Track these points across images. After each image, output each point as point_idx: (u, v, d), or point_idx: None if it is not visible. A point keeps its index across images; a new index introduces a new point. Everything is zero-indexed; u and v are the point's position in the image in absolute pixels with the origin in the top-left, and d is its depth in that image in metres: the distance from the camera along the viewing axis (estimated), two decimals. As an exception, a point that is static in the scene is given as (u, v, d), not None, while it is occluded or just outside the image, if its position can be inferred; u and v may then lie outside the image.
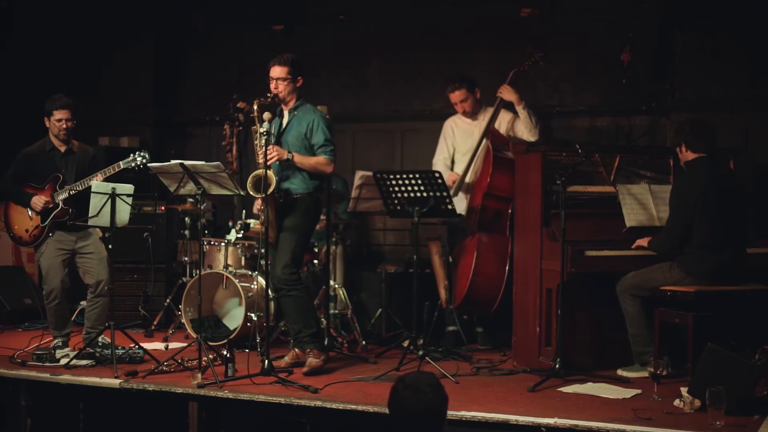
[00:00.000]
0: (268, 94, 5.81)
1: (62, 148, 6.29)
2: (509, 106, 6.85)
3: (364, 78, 8.41)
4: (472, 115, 6.86)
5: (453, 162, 6.95)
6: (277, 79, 5.85)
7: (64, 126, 6.21)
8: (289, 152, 5.75)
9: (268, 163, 5.64)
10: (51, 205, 6.19)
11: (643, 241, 5.69)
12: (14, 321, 7.64)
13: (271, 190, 5.63)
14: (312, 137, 5.82)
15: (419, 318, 5.98)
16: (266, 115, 5.65)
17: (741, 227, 5.62)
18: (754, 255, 5.72)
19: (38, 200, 6.17)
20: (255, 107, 5.73)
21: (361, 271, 7.56)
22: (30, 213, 6.24)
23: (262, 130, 5.61)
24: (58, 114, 6.20)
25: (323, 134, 5.82)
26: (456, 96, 6.81)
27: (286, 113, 5.96)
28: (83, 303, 6.86)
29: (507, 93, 6.77)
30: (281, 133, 5.91)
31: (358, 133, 8.40)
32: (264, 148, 5.63)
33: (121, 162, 6.15)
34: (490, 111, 6.82)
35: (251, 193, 5.70)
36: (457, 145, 6.92)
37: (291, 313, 5.90)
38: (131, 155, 6.15)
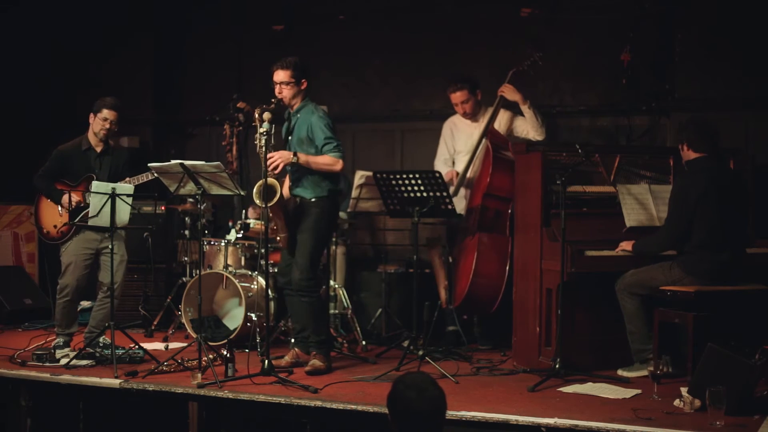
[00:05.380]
0: (273, 100, 5.74)
1: (98, 148, 6.32)
2: (512, 106, 6.83)
3: (364, 78, 8.41)
4: (472, 116, 6.82)
5: (454, 162, 6.93)
6: (281, 83, 5.80)
7: (107, 126, 6.25)
8: (294, 153, 5.72)
9: (273, 169, 5.60)
10: (82, 204, 6.20)
11: (627, 245, 5.67)
12: (14, 321, 7.64)
13: (276, 198, 5.60)
14: (314, 139, 5.80)
15: (419, 318, 5.98)
16: (266, 116, 5.63)
17: (741, 227, 5.62)
18: (754, 255, 5.72)
19: (68, 199, 6.19)
20: (256, 115, 5.67)
21: (361, 271, 7.55)
22: (60, 210, 6.26)
23: (262, 130, 5.58)
24: (106, 113, 6.24)
25: (322, 133, 5.74)
26: (457, 97, 6.77)
27: (291, 117, 5.93)
28: (84, 303, 6.87)
29: (510, 92, 6.71)
30: (287, 137, 5.88)
31: (358, 133, 8.40)
32: (264, 149, 5.61)
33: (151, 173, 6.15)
34: (490, 111, 6.80)
35: (257, 202, 5.66)
36: (457, 146, 6.88)
37: (300, 316, 5.88)
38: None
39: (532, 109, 6.72)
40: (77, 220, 6.21)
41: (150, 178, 6.19)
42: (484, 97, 6.88)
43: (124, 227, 6.08)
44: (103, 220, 5.92)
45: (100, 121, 6.25)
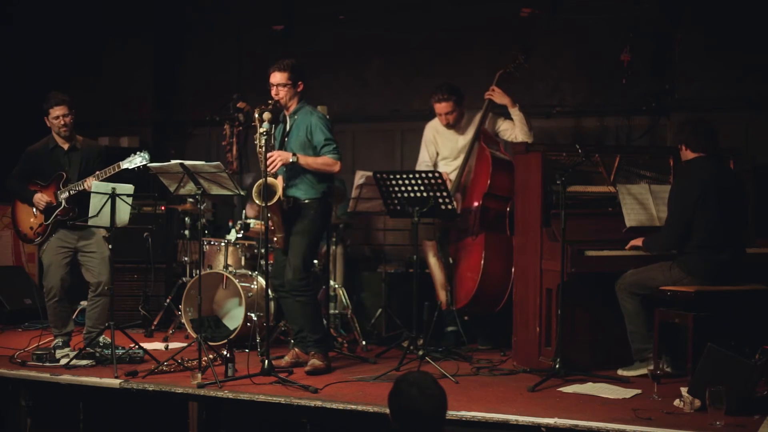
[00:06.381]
0: (270, 101, 5.75)
1: (65, 146, 6.30)
2: (501, 110, 6.77)
3: (364, 78, 8.42)
4: (454, 126, 6.72)
5: (435, 166, 6.84)
6: (277, 85, 5.81)
7: (62, 122, 6.22)
8: (294, 154, 5.72)
9: (271, 169, 5.61)
10: (54, 204, 6.20)
11: (637, 241, 5.66)
12: (14, 321, 7.64)
13: (276, 198, 5.61)
14: (313, 139, 5.80)
15: (419, 318, 5.98)
16: (266, 116, 5.63)
17: (741, 227, 5.62)
18: (754, 255, 5.72)
19: (40, 199, 6.19)
20: (256, 115, 5.67)
21: (361, 271, 7.56)
22: (34, 211, 6.26)
23: (261, 130, 5.59)
24: (56, 111, 6.21)
25: (322, 134, 5.77)
26: (442, 107, 6.64)
27: (288, 119, 5.93)
28: (83, 303, 6.86)
29: (499, 96, 6.63)
30: (284, 138, 5.89)
31: (358, 133, 8.40)
32: (264, 149, 5.61)
33: (121, 162, 6.15)
34: (477, 116, 6.67)
35: (256, 201, 5.68)
36: (442, 151, 6.78)
37: (296, 317, 5.89)
38: (132, 155, 6.16)
39: (521, 113, 6.66)
40: (52, 218, 6.20)
41: (117, 170, 6.13)
42: (481, 99, 6.83)
43: (124, 226, 6.08)
44: (103, 220, 5.92)
45: (53, 121, 6.23)
